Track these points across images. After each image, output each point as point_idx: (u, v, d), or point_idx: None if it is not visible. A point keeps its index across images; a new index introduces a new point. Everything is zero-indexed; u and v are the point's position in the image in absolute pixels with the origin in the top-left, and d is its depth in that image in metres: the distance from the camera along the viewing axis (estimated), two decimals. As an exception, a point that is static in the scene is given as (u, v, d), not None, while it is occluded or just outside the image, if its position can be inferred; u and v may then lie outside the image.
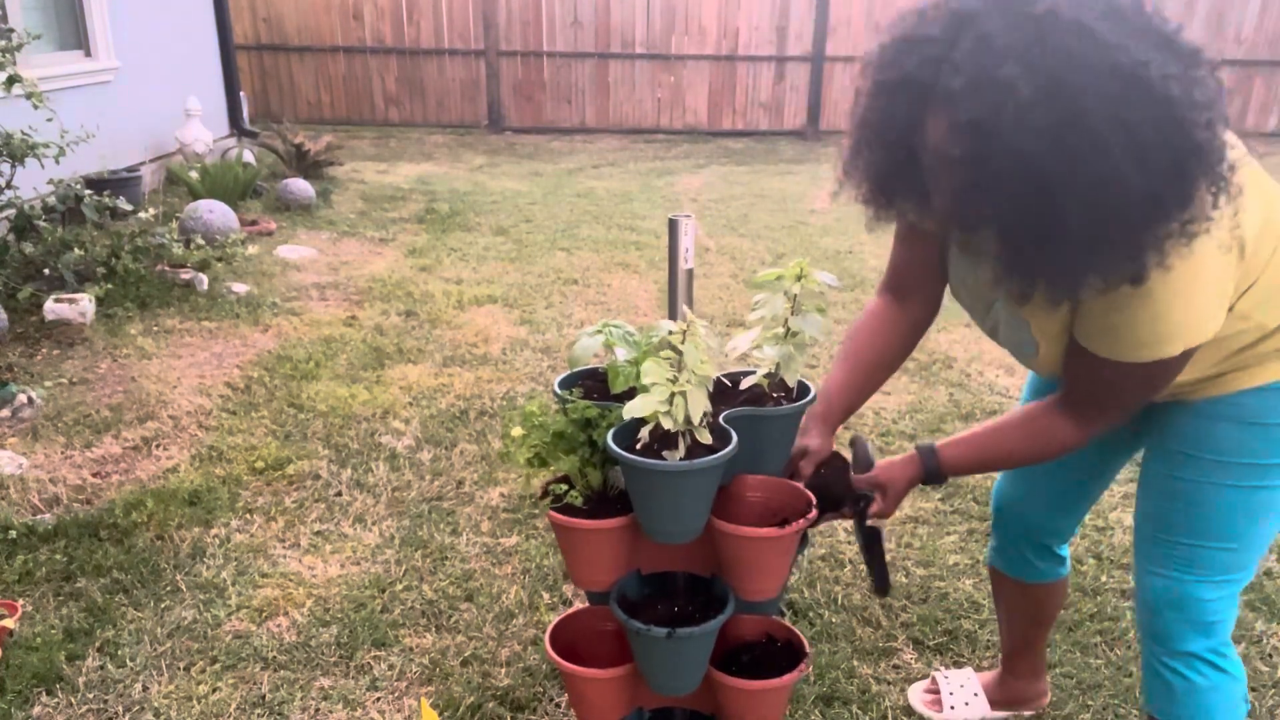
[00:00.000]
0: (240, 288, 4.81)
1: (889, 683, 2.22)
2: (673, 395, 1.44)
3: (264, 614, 2.41)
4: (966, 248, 1.45)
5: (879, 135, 1.22)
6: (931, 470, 1.58)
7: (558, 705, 2.12)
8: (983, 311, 1.56)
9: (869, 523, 1.67)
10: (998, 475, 1.98)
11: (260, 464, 3.11)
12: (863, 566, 2.66)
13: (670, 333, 1.48)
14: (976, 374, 4.00)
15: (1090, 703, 2.17)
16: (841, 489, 1.67)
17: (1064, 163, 1.05)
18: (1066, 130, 1.03)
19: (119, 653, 2.26)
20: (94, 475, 3.04)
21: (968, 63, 1.06)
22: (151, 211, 4.99)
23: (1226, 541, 1.49)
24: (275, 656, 2.26)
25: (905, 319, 1.70)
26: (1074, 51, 1.03)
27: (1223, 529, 1.49)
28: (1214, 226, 1.14)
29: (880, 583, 1.73)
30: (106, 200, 4.46)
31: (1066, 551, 1.96)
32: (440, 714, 2.08)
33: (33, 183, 4.47)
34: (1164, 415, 1.53)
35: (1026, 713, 2.14)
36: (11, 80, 4.01)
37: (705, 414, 1.47)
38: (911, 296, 1.69)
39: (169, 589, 2.50)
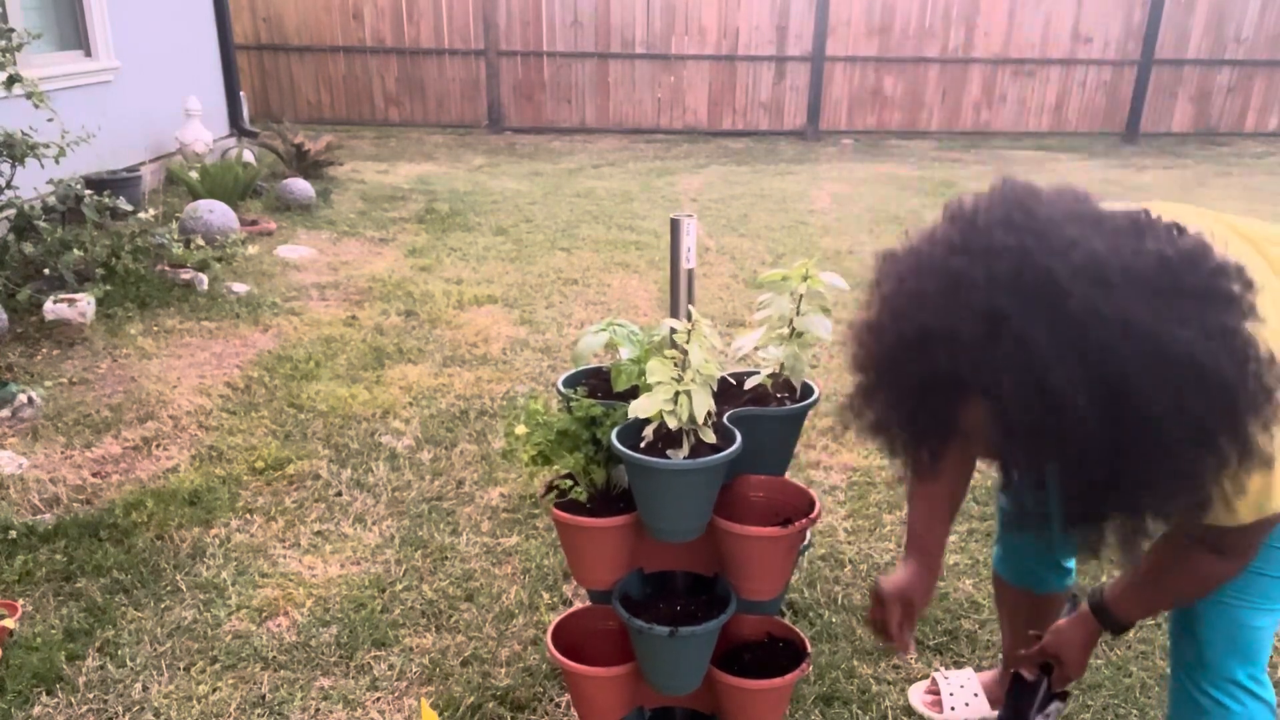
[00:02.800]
0: (240, 288, 4.81)
1: (889, 683, 2.22)
2: (677, 394, 1.44)
3: (264, 614, 2.41)
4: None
5: (911, 424, 1.16)
6: (1113, 625, 1.54)
7: (558, 705, 2.12)
8: None
9: (1055, 689, 1.67)
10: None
11: (260, 464, 3.11)
12: (863, 566, 2.66)
13: (675, 331, 1.48)
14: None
15: (1090, 703, 2.16)
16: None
17: (1126, 455, 1.05)
18: (1126, 428, 1.03)
19: (119, 653, 2.25)
20: (94, 475, 3.04)
21: (1012, 367, 1.03)
22: (151, 211, 4.99)
23: None
24: (275, 656, 2.26)
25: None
26: (1121, 350, 1.01)
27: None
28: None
29: None
30: (106, 200, 4.46)
31: (1074, 564, 1.95)
32: (440, 714, 2.08)
33: (33, 183, 4.46)
34: None
35: (1028, 713, 2.14)
36: (12, 80, 4.00)
37: (709, 413, 1.47)
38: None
39: (169, 589, 2.50)
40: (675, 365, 1.46)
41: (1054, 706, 1.71)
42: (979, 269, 1.06)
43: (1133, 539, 1.16)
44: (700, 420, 1.46)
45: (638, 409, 1.45)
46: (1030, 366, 1.02)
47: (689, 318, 1.50)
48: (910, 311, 1.11)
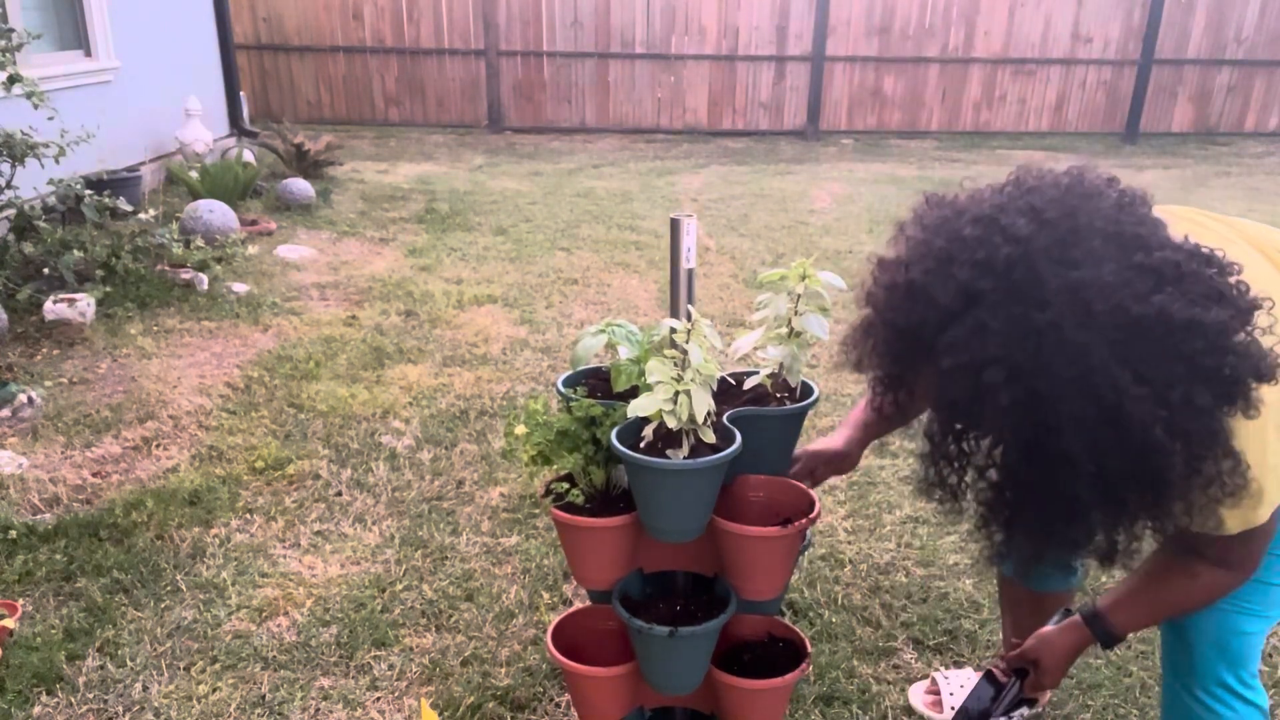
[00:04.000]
0: (240, 288, 4.81)
1: (889, 683, 2.22)
2: (677, 394, 1.44)
3: (264, 614, 2.41)
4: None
5: (883, 344, 1.20)
6: (1105, 635, 1.50)
7: (558, 705, 2.12)
8: None
9: (1025, 694, 1.64)
10: None
11: (260, 464, 3.11)
12: (863, 566, 2.66)
13: (674, 331, 1.48)
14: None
15: (1090, 703, 2.16)
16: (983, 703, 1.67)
17: (1032, 470, 1.07)
18: (1039, 443, 1.05)
19: (119, 653, 2.25)
20: (94, 475, 3.04)
21: (959, 349, 1.05)
22: (151, 211, 4.99)
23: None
24: (275, 656, 2.26)
25: None
26: (1061, 375, 1.01)
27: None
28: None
29: None
30: (106, 200, 4.46)
31: (1080, 563, 1.94)
32: (440, 714, 2.08)
33: (33, 183, 4.46)
34: None
35: (1026, 711, 2.14)
36: (12, 80, 4.00)
37: (709, 413, 1.47)
38: None
39: (169, 589, 2.50)
40: (675, 365, 1.46)
41: (1019, 712, 1.69)
42: (983, 247, 1.07)
43: (1029, 556, 1.20)
44: (700, 420, 1.46)
45: (637, 408, 1.45)
46: (974, 352, 1.04)
47: (689, 318, 1.50)
48: (912, 261, 1.14)
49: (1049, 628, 1.59)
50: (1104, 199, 1.12)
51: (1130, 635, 2.35)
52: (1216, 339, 1.02)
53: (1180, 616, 1.53)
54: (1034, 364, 1.02)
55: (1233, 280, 1.07)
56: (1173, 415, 1.00)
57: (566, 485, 1.65)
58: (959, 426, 1.14)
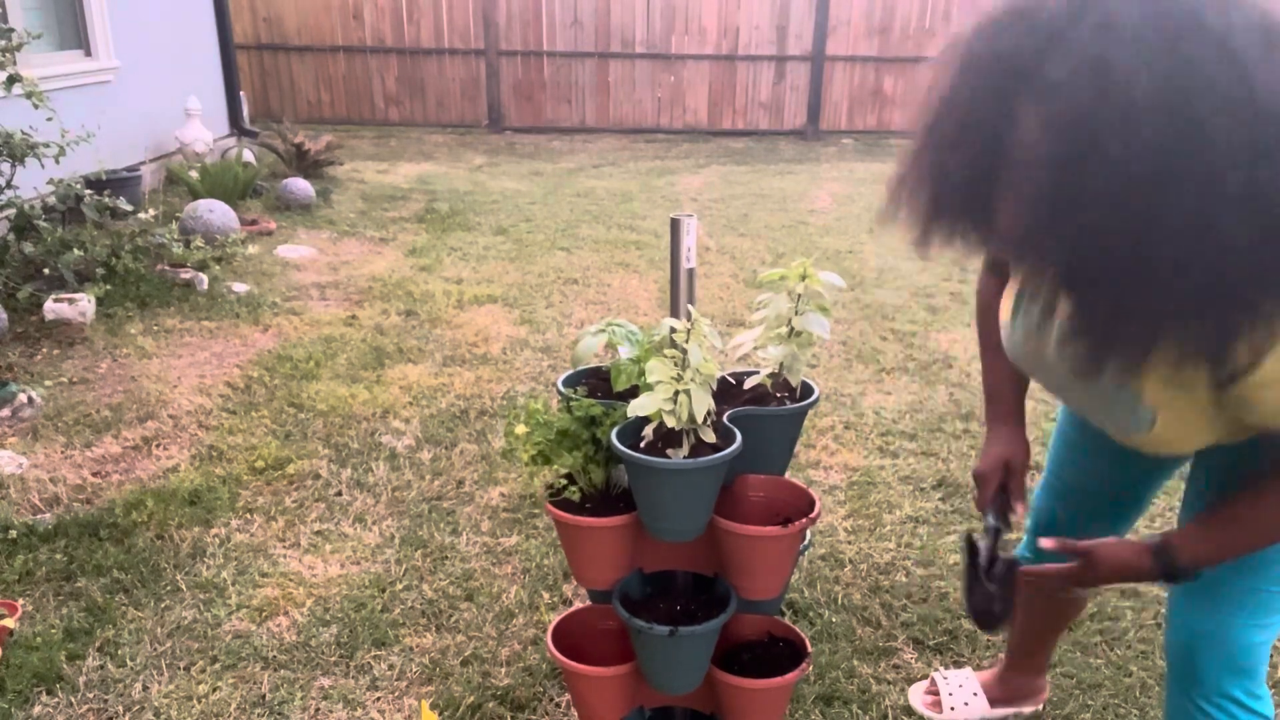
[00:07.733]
0: (240, 287, 4.81)
1: (889, 683, 2.22)
2: (677, 394, 1.44)
3: (264, 614, 2.41)
4: (1032, 286, 1.24)
5: (958, 121, 0.98)
6: (1169, 567, 1.35)
7: (558, 705, 2.12)
8: (1063, 380, 1.35)
9: (1019, 563, 1.52)
10: (1034, 489, 1.88)
11: (260, 464, 3.11)
12: (864, 566, 2.66)
13: (674, 331, 1.48)
14: (976, 373, 4.00)
15: (1090, 702, 2.16)
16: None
17: (1169, 191, 0.88)
18: (1181, 155, 0.86)
19: (119, 653, 2.25)
20: (94, 475, 3.04)
21: (1081, 48, 0.88)
22: (151, 211, 4.98)
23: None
24: (275, 656, 2.26)
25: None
26: (1210, 72, 0.86)
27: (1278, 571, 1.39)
28: None
29: (987, 619, 1.55)
30: (106, 200, 4.46)
31: None
32: (440, 714, 2.08)
33: (33, 183, 4.46)
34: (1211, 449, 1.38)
35: (1026, 710, 2.14)
36: (12, 80, 4.00)
37: (709, 412, 1.48)
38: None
39: (169, 589, 2.50)
40: (675, 365, 1.46)
41: (1002, 560, 1.56)
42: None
43: (1135, 352, 1.00)
44: (700, 420, 1.46)
45: (637, 408, 1.45)
46: (1101, 50, 0.88)
47: (689, 317, 1.50)
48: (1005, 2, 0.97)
49: (1124, 540, 1.45)
50: None
51: (1133, 631, 2.36)
52: None
53: (1263, 545, 1.37)
54: (1175, 57, 0.87)
55: None
56: None
57: (562, 482, 1.65)
58: (1076, 155, 0.90)
